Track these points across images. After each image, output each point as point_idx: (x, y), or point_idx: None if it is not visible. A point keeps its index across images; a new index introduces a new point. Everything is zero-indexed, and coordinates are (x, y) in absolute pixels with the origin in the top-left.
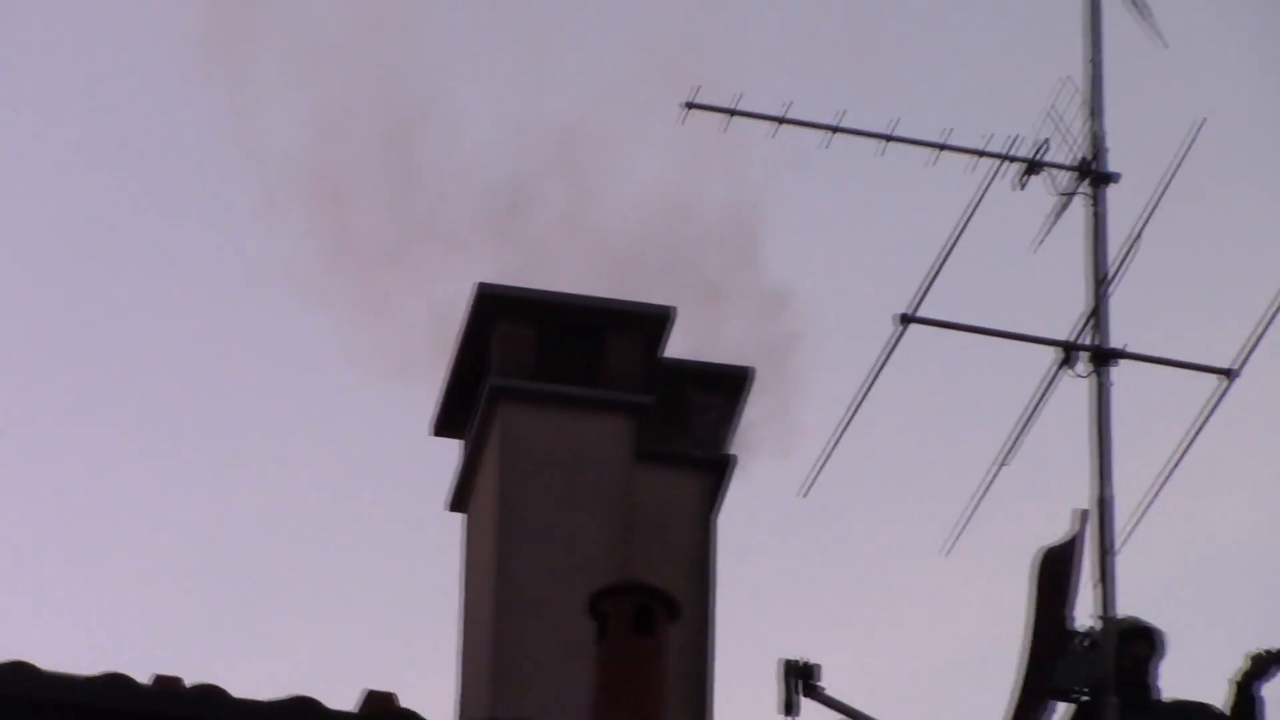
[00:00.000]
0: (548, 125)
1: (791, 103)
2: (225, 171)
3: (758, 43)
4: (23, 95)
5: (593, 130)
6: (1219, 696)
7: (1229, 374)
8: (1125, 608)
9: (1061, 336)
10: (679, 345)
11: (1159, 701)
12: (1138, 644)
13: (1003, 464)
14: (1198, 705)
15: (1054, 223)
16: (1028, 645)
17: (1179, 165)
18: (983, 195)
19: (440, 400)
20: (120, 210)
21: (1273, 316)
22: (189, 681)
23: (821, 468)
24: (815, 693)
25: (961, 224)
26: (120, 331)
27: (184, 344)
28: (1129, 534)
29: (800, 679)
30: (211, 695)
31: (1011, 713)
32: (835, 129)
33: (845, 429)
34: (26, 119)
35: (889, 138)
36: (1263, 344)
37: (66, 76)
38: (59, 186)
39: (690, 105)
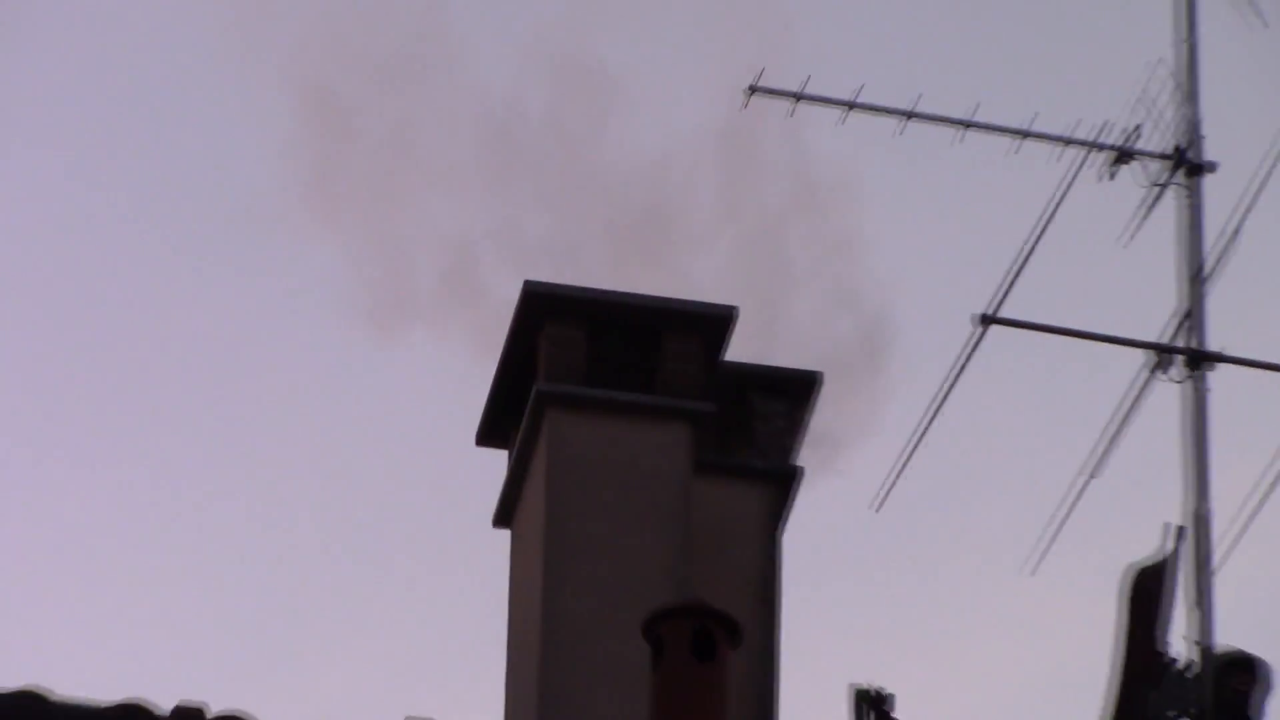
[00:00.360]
0: (578, 63)
1: (863, 86)
2: (224, 104)
3: (826, 23)
4: (17, 61)
5: (635, 86)
6: None
7: None
8: (1224, 632)
9: (1154, 338)
10: (738, 346)
11: None
12: (1240, 676)
13: (1091, 476)
14: None
15: (1145, 215)
16: (1118, 672)
17: None
18: (1069, 186)
19: (485, 407)
20: (117, 187)
21: None
22: (213, 710)
23: (896, 479)
24: None
25: (1046, 217)
26: (137, 335)
27: (203, 346)
28: (1229, 552)
29: (872, 708)
30: None
31: None
32: (910, 114)
33: (922, 438)
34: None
35: (968, 124)
36: None
37: (63, 28)
38: (55, 162)
39: (754, 89)
